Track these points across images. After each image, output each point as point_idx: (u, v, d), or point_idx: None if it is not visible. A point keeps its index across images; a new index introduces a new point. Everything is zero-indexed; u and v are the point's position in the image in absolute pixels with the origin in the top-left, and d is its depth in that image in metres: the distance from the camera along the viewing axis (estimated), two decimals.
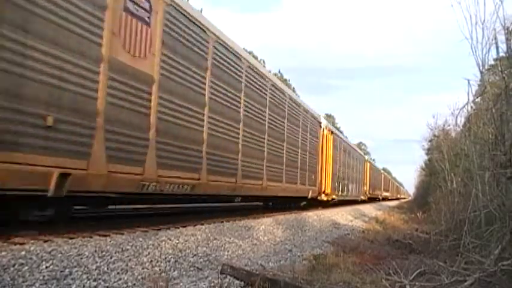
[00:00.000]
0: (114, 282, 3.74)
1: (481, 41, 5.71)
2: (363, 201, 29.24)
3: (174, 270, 4.47)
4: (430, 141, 20.35)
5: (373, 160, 67.82)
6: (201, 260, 5.07)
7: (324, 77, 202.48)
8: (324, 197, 16.56)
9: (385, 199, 46.88)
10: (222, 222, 7.84)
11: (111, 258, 4.18)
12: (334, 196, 18.19)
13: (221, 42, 8.03)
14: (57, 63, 4.43)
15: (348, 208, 19.49)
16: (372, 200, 35.31)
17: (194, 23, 7.04)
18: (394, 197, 65.38)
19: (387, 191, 51.95)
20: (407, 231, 9.67)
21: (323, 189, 16.45)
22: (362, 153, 33.34)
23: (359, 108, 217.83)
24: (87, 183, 4.90)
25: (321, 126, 16.59)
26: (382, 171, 48.21)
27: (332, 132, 18.56)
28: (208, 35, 7.54)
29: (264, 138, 10.41)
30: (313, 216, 12.37)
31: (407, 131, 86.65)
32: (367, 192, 31.75)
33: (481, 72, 6.03)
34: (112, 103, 5.20)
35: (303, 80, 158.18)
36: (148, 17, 5.83)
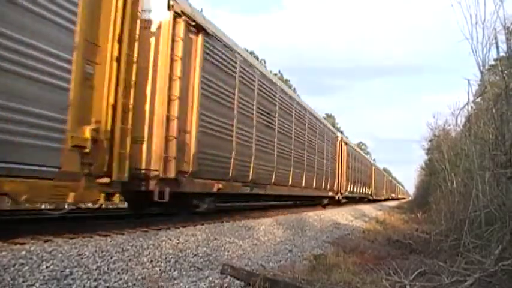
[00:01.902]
0: (115, 282, 3.74)
1: (481, 41, 5.72)
2: None
3: (175, 270, 4.47)
4: (430, 141, 20.34)
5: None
6: (202, 260, 5.07)
7: (324, 77, 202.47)
8: None
9: (362, 199, 28.75)
10: (222, 222, 7.84)
11: (111, 258, 4.18)
12: None
13: None
14: None
15: (348, 208, 19.47)
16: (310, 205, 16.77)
17: None
18: (387, 197, 47.00)
19: (367, 185, 30.61)
20: (407, 231, 9.67)
21: None
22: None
23: (359, 108, 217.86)
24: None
25: None
26: (344, 141, 22.78)
27: None
28: None
29: None
30: (313, 216, 12.37)
31: (407, 131, 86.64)
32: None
33: (481, 72, 6.04)
34: None
35: (303, 80, 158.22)
36: None
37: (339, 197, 20.22)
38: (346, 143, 23.18)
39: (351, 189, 23.51)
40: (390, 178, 62.32)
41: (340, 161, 20.87)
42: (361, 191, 27.41)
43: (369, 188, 31.44)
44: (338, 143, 21.21)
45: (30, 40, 4.22)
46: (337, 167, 20.34)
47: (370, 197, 32.27)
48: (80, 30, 4.79)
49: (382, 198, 41.99)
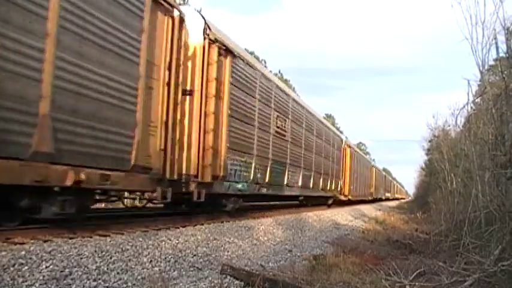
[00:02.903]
0: (114, 282, 3.74)
1: (481, 41, 5.73)
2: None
3: (174, 270, 4.47)
4: (430, 141, 20.34)
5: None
6: (201, 260, 5.07)
7: (324, 77, 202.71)
8: None
9: (323, 199, 17.60)
10: (222, 222, 7.84)
11: (111, 258, 4.18)
12: None
13: None
14: None
15: (348, 208, 19.47)
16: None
17: None
18: (377, 198, 35.58)
19: (334, 177, 18.67)
20: (407, 231, 9.68)
21: None
22: None
23: (359, 108, 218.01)
24: None
25: None
26: (234, 51, 8.23)
27: None
28: None
29: None
30: (313, 216, 12.37)
31: (407, 131, 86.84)
32: None
33: (481, 73, 6.05)
34: None
35: (303, 80, 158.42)
36: None
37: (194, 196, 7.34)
38: (241, 59, 8.92)
39: (275, 180, 10.94)
40: (384, 173, 48.83)
41: (206, 98, 7.60)
42: (316, 186, 15.49)
43: (337, 183, 19.39)
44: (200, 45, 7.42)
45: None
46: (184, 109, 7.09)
47: (343, 197, 20.52)
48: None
49: (369, 198, 29.69)
